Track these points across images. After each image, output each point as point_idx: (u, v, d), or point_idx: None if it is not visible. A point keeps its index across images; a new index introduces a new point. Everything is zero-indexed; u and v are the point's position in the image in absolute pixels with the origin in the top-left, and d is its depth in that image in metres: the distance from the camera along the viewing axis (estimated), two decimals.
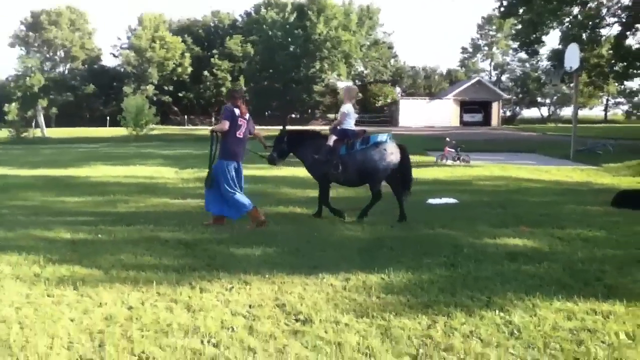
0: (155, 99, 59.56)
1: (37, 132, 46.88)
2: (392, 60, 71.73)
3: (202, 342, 3.43)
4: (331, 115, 71.13)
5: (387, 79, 69.79)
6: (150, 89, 62.73)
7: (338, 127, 7.53)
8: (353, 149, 7.21)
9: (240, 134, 6.94)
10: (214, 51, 65.88)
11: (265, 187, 10.33)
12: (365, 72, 69.29)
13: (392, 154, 7.19)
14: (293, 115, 53.55)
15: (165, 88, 65.08)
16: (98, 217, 7.53)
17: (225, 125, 6.82)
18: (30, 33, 65.75)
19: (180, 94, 66.57)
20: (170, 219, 7.29)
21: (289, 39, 46.69)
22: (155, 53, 63.40)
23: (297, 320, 3.80)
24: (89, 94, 66.09)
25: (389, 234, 6.51)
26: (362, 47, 62.83)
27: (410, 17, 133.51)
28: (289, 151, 7.75)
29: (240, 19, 71.44)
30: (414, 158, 17.42)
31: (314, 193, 9.18)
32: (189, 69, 65.72)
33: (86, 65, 68.25)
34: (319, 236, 6.34)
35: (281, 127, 9.74)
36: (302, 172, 13.00)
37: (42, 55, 68.00)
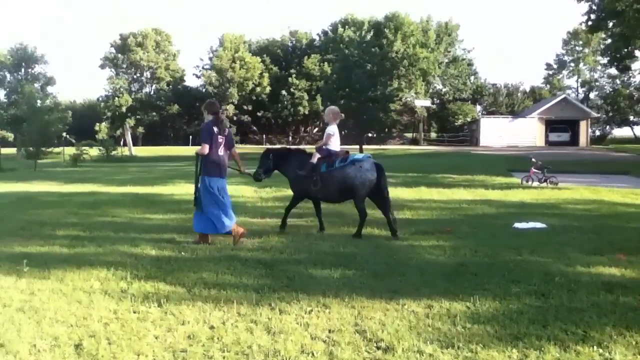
0: (235, 118, 61.53)
1: (125, 151, 49.65)
2: (472, 78, 70.31)
3: None
4: (409, 134, 70.67)
5: (467, 97, 68.44)
6: (230, 108, 64.92)
7: (324, 147, 7.88)
8: (333, 167, 7.63)
9: (220, 150, 7.29)
10: (292, 70, 67.35)
11: (342, 208, 10.29)
12: (443, 90, 68.33)
13: (368, 171, 7.55)
14: (369, 135, 53.43)
15: (245, 107, 67.14)
16: (181, 234, 7.79)
17: (206, 149, 7.15)
18: (119, 55, 69.97)
19: (258, 113, 68.42)
20: (249, 238, 7.41)
21: (366, 57, 46.76)
22: (235, 73, 65.64)
23: (378, 348, 3.71)
24: (173, 113, 69.33)
25: (473, 259, 6.29)
26: (441, 64, 62.05)
27: (491, 33, 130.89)
28: (274, 168, 8.24)
29: (317, 38, 72.75)
30: (496, 179, 16.98)
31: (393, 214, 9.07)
32: (268, 89, 67.50)
33: (170, 86, 71.64)
34: (398, 259, 6.23)
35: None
36: None
37: (130, 76, 72.11)
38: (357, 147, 47.25)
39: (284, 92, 66.43)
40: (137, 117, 67.41)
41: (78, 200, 12.77)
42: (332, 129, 7.90)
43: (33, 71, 59.96)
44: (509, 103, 72.02)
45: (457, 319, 4.21)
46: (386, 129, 52.36)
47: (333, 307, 4.47)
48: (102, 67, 71.41)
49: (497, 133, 52.16)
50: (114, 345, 3.71)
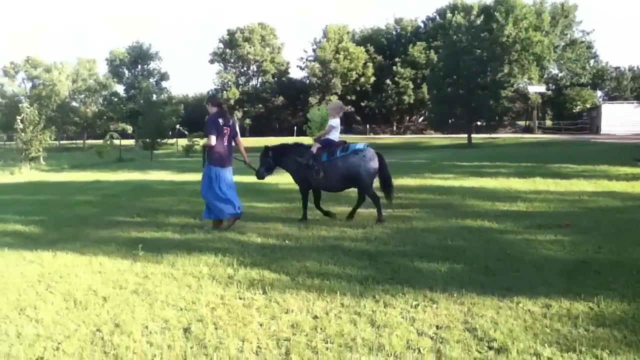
0: None
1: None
2: (591, 61, 65.58)
3: None
4: (521, 122, 67.39)
5: (586, 81, 63.99)
6: (334, 99, 65.48)
7: (322, 138, 8.28)
8: (334, 156, 7.91)
9: (225, 140, 7.67)
10: (397, 59, 66.58)
11: (450, 199, 9.97)
12: (560, 75, 64.40)
13: (371, 160, 7.89)
14: (478, 123, 51.57)
15: (348, 98, 67.39)
16: (285, 223, 7.90)
17: (213, 140, 7.53)
18: (227, 50, 72.77)
19: (362, 103, 68.40)
20: (352, 228, 7.36)
21: (475, 43, 45.12)
22: (339, 64, 66.03)
23: (490, 348, 3.49)
24: (278, 105, 71.15)
25: (596, 255, 5.78)
26: (557, 48, 58.48)
27: (614, 12, 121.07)
28: (275, 165, 8.54)
29: (423, 25, 71.26)
30: (620, 169, 15.66)
31: (506, 206, 8.63)
32: (372, 78, 67.26)
33: (275, 78, 73.49)
34: (512, 254, 5.87)
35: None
36: (489, 182, 12.45)
37: (237, 70, 74.82)
38: (466, 135, 45.84)
39: (388, 81, 65.87)
40: (244, 109, 69.88)
41: (189, 188, 13.39)
42: (334, 122, 8.29)
43: (148, 67, 64.09)
44: (635, 87, 66.40)
45: (578, 321, 3.87)
46: (496, 117, 50.22)
47: (440, 303, 4.29)
48: (212, 62, 74.64)
49: (621, 120, 48.35)
50: (220, 330, 3.79)
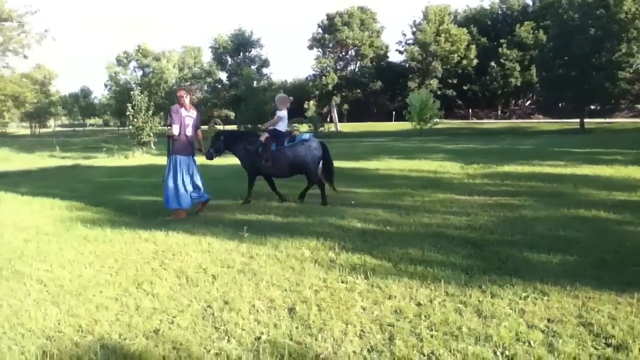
0: (439, 92, 60.57)
1: (331, 127, 52.03)
2: None
3: (494, 352, 3.24)
4: None
5: None
6: (434, 83, 64.07)
7: (270, 128, 8.90)
8: (282, 146, 8.58)
9: (188, 130, 8.04)
10: (502, 40, 63.77)
11: (561, 187, 9.47)
12: None
13: (316, 149, 8.66)
14: (592, 107, 48.35)
15: (450, 81, 65.65)
16: (386, 209, 7.88)
17: (176, 130, 7.91)
18: (326, 35, 73.14)
19: (464, 87, 66.37)
20: (456, 216, 7.20)
21: (589, 21, 42.15)
22: (439, 46, 64.39)
23: (608, 345, 3.31)
24: (377, 90, 70.70)
25: None
26: None
27: None
28: (225, 148, 9.08)
29: (531, 4, 67.67)
30: None
31: (624, 196, 8.13)
32: (474, 61, 65.00)
33: (374, 63, 72.98)
34: (632, 247, 5.49)
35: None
36: (605, 170, 11.67)
37: (336, 55, 75.08)
38: (578, 120, 43.24)
39: (492, 63, 63.33)
40: (343, 94, 70.12)
41: None
42: (282, 113, 8.90)
43: (250, 54, 65.92)
44: None
45: None
46: (612, 101, 46.81)
47: (552, 295, 4.10)
48: (310, 47, 75.40)
49: None
50: (324, 312, 3.87)
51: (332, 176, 9.06)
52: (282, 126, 9.00)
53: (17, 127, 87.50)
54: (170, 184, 8.01)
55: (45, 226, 7.33)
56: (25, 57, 33.61)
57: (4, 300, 4.26)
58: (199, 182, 8.25)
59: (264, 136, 8.77)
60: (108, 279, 4.80)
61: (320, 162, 8.80)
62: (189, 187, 8.11)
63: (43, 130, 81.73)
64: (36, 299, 4.29)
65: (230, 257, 5.41)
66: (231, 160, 19.85)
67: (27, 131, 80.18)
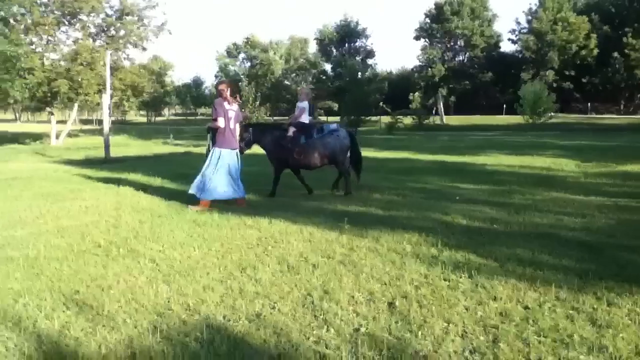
0: (555, 85, 57.49)
1: (437, 119, 51.06)
2: None
3: None
4: None
5: None
6: (550, 74, 60.87)
7: (296, 121, 9.04)
8: (312, 138, 8.78)
9: (231, 124, 7.95)
10: (627, 29, 59.18)
11: None
12: None
13: (345, 139, 8.93)
14: None
15: (567, 73, 62.08)
16: (493, 206, 7.62)
17: (221, 123, 7.84)
18: (434, 25, 71.62)
19: (583, 79, 62.47)
20: (570, 217, 6.82)
21: None
22: (556, 35, 61.04)
23: None
24: (486, 81, 68.35)
25: None
26: None
27: None
28: (253, 141, 9.04)
29: None
30: None
31: None
32: (595, 51, 60.95)
33: (484, 53, 70.54)
34: None
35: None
36: None
37: (444, 45, 73.37)
38: None
39: (615, 54, 59.01)
40: (450, 86, 68.50)
41: (392, 166, 13.66)
42: (304, 105, 9.14)
43: (355, 45, 66.06)
44: None
45: None
46: None
47: None
48: (417, 38, 74.26)
49: None
50: (424, 309, 3.82)
51: (360, 166, 9.32)
52: (306, 117, 9.18)
53: (135, 115, 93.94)
54: (209, 175, 7.90)
55: (158, 209, 7.82)
56: (143, 49, 35.83)
57: (121, 277, 4.59)
58: (237, 178, 8.13)
59: (291, 130, 8.88)
60: (214, 261, 5.03)
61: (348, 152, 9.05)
62: (225, 182, 7.97)
63: (158, 118, 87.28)
64: (149, 277, 4.58)
65: (330, 247, 5.48)
66: None
67: (144, 119, 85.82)
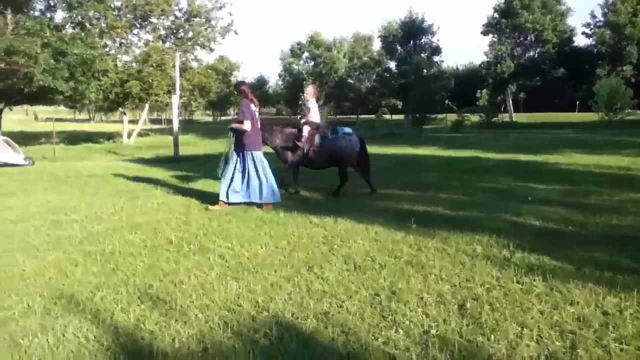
0: (633, 80, 54.72)
1: (505, 117, 49.69)
2: None
3: None
4: None
5: None
6: (628, 69, 57.97)
7: (310, 121, 9.01)
8: (326, 138, 8.90)
9: (258, 124, 7.97)
10: None
11: None
12: None
13: (356, 143, 9.13)
14: None
15: None
16: (567, 207, 7.34)
17: (248, 126, 7.72)
18: (503, 20, 69.54)
19: None
20: None
21: None
22: (636, 29, 57.98)
23: None
24: (558, 77, 65.88)
25: None
26: None
27: None
28: (263, 142, 8.55)
29: None
30: None
31: None
32: None
33: (556, 48, 67.99)
34: None
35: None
36: None
37: (513, 40, 71.18)
38: None
39: None
40: (519, 82, 66.43)
41: (459, 165, 13.41)
42: (313, 103, 9.27)
43: (420, 42, 65.12)
44: None
45: None
46: None
47: None
48: (485, 33, 72.34)
49: None
50: (497, 312, 3.73)
51: (369, 172, 9.38)
52: (317, 117, 9.24)
53: (202, 115, 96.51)
54: (232, 176, 7.87)
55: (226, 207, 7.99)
56: (211, 50, 36.78)
57: (192, 272, 4.73)
58: (262, 180, 7.86)
59: (306, 130, 8.88)
60: (281, 259, 5.10)
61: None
62: (244, 184, 7.91)
63: (223, 117, 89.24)
64: (219, 273, 4.69)
65: (397, 247, 5.44)
66: (397, 149, 19.93)
67: (210, 118, 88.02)
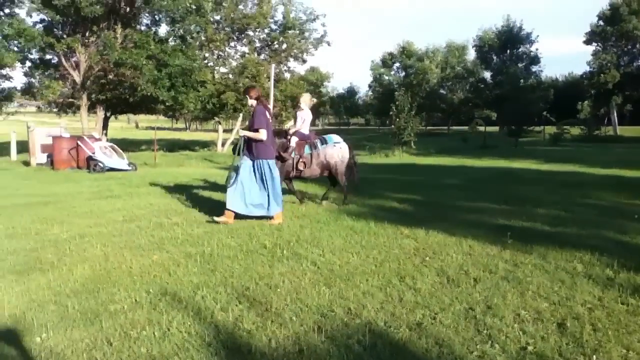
0: None
1: (609, 130, 47.06)
2: None
3: None
4: None
5: None
6: None
7: (299, 131, 9.08)
8: (316, 148, 9.01)
9: (271, 131, 7.65)
10: None
11: None
12: None
13: (345, 151, 9.22)
14: None
15: None
16: None
17: (264, 135, 7.43)
18: (608, 27, 65.95)
19: None
20: None
21: None
22: None
23: None
24: None
25: None
26: None
27: None
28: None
29: None
30: None
31: None
32: None
33: None
34: None
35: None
36: None
37: (619, 49, 67.31)
38: None
39: None
40: (626, 93, 62.64)
41: (558, 179, 12.88)
42: (307, 112, 9.31)
43: (518, 51, 63.05)
44: None
45: None
46: None
47: None
48: (587, 42, 68.92)
49: None
50: (599, 332, 3.58)
51: (354, 175, 9.56)
52: (307, 127, 9.28)
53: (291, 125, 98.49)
54: (248, 187, 7.54)
55: (317, 215, 8.16)
56: (303, 61, 37.58)
57: (286, 277, 4.89)
58: (268, 190, 7.56)
59: (294, 141, 8.89)
60: (373, 268, 5.15)
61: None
62: (258, 194, 7.61)
63: (312, 127, 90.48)
64: (311, 279, 4.82)
65: (492, 262, 5.34)
66: (490, 162, 19.42)
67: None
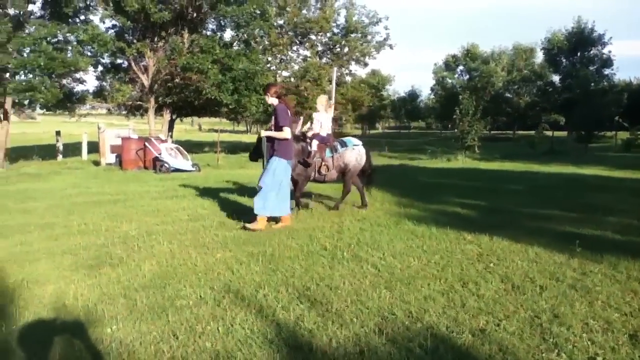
0: None
1: None
2: None
3: None
4: None
5: None
6: None
7: (319, 135, 8.80)
8: (337, 152, 8.88)
9: (293, 130, 7.59)
10: None
11: None
12: None
13: (362, 154, 9.15)
14: None
15: None
16: None
17: (288, 133, 7.27)
18: None
19: None
20: None
21: None
22: None
23: None
24: None
25: None
26: None
27: None
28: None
29: None
30: None
31: None
32: None
33: None
34: None
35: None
36: None
37: None
38: None
39: None
40: None
41: (631, 186, 12.35)
42: (324, 116, 9.00)
43: (589, 53, 60.76)
44: None
45: None
46: None
47: None
48: None
49: None
50: None
51: (372, 178, 9.60)
52: (324, 130, 8.99)
53: (350, 128, 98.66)
54: (277, 189, 7.38)
55: (377, 218, 8.15)
56: (365, 64, 37.64)
57: (346, 279, 4.93)
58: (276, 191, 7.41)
59: (315, 145, 8.69)
60: (435, 273, 5.11)
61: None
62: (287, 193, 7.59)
63: (372, 131, 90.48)
64: (372, 282, 4.84)
65: (559, 270, 5.19)
66: (558, 168, 18.81)
67: (359, 132, 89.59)
